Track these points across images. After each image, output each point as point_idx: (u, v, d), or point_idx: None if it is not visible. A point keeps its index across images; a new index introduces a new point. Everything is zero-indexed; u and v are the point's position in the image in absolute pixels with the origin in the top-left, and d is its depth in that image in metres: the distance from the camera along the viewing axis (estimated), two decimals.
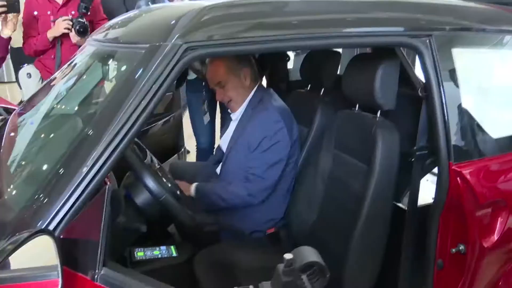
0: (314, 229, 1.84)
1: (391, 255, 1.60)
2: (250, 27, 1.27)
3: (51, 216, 1.01)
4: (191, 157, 3.89)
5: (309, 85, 2.29)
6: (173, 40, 1.16)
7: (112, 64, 1.36)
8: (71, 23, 2.78)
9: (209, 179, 2.06)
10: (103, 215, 1.00)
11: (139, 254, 1.59)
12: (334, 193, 1.80)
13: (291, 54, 4.15)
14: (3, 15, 2.59)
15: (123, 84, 1.15)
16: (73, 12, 2.88)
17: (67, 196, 1.03)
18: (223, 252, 1.82)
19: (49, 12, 2.93)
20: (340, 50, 2.28)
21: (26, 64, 3.02)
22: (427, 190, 1.66)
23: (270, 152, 1.85)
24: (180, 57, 1.15)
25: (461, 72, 1.42)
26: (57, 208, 1.02)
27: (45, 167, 1.19)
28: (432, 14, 1.46)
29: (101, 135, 1.07)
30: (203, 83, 2.80)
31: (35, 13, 2.90)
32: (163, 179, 1.57)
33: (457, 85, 1.41)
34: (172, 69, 1.14)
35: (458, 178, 1.38)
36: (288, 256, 0.93)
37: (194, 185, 2.00)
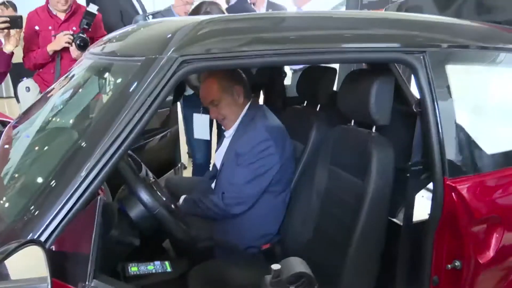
0: (310, 244, 1.83)
1: (387, 271, 1.58)
2: (246, 41, 1.27)
3: (42, 228, 1.01)
4: (188, 172, 3.89)
5: (305, 101, 2.30)
6: (169, 53, 1.17)
7: (108, 77, 1.36)
8: (72, 37, 2.80)
9: (205, 194, 2.05)
10: (94, 227, 0.99)
11: (133, 269, 1.58)
12: (330, 208, 1.79)
13: (288, 71, 4.21)
14: (6, 30, 2.62)
15: (118, 96, 1.16)
16: (74, 28, 2.91)
17: (58, 208, 1.02)
18: (217, 268, 1.80)
19: (50, 27, 2.96)
20: (336, 66, 2.30)
21: (25, 78, 3.04)
22: (423, 206, 1.66)
23: (252, 168, 1.87)
24: (176, 70, 1.15)
25: (455, 88, 1.43)
26: (49, 220, 1.01)
27: (37, 179, 1.19)
28: (427, 31, 1.48)
29: (94, 147, 1.07)
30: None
31: (37, 28, 2.93)
32: (158, 192, 1.56)
33: (451, 101, 1.42)
34: (168, 82, 1.15)
35: (453, 194, 1.37)
36: (275, 266, 0.92)
37: (183, 196, 2.02)
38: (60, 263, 0.97)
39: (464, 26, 1.59)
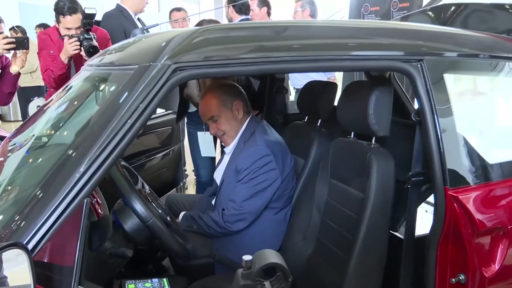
0: (311, 260, 1.79)
1: (389, 287, 1.53)
2: (241, 49, 1.28)
3: (29, 237, 0.98)
4: (193, 191, 3.87)
5: (306, 117, 2.29)
6: (163, 60, 1.17)
7: (103, 86, 1.36)
8: (78, 43, 2.78)
9: (204, 211, 2.03)
10: (80, 232, 0.96)
11: (130, 286, 1.53)
12: (330, 223, 1.76)
13: (292, 90, 4.22)
14: (12, 51, 2.65)
15: (110, 103, 1.15)
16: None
17: (46, 216, 1.00)
18: (216, 284, 1.76)
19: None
20: (339, 81, 2.30)
21: (36, 97, 3.06)
22: (426, 221, 1.62)
23: (252, 183, 1.85)
24: (169, 77, 1.15)
25: (454, 97, 1.41)
26: (35, 229, 0.99)
27: (27, 189, 1.17)
28: (424, 39, 1.47)
29: (84, 154, 1.06)
30: None
31: (51, 52, 2.95)
32: (153, 204, 1.53)
33: (450, 110, 1.39)
34: (160, 89, 1.14)
35: (455, 204, 1.33)
36: (247, 257, 0.88)
37: (182, 213, 1.99)
38: (45, 270, 0.94)
39: (463, 35, 1.58)
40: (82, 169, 1.04)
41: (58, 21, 2.89)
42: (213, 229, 1.89)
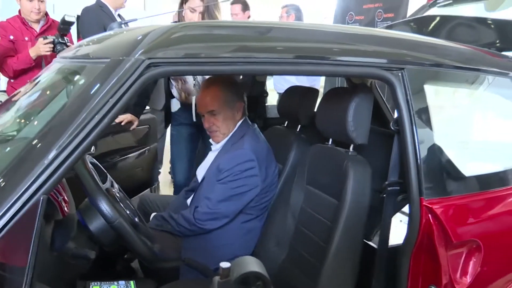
0: (283, 266, 1.76)
1: None
2: (219, 48, 1.24)
3: None
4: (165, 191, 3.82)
5: (286, 122, 2.27)
6: (136, 55, 1.12)
7: (74, 79, 1.31)
8: (52, 44, 2.76)
9: (177, 211, 1.98)
10: (34, 231, 0.91)
11: None
12: (304, 230, 1.73)
13: (276, 94, 4.20)
14: None
15: (79, 95, 1.10)
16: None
17: (1, 212, 0.94)
18: None
19: (26, 38, 2.93)
20: (318, 88, 2.28)
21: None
22: (400, 231, 1.61)
23: (230, 186, 1.82)
24: (142, 72, 1.11)
25: (434, 107, 1.40)
26: None
27: None
28: (406, 48, 1.45)
29: (48, 148, 1.01)
30: (188, 115, 2.76)
31: (11, 37, 2.89)
32: (120, 204, 1.48)
33: (429, 120, 1.38)
34: (132, 84, 1.10)
35: (429, 215, 1.32)
36: (224, 265, 0.82)
37: (153, 214, 1.95)
38: None
39: (445, 46, 1.57)
40: (45, 162, 0.99)
41: None
42: (183, 227, 1.84)
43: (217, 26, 1.39)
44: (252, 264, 0.84)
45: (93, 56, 1.33)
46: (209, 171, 1.97)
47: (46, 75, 1.50)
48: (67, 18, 2.74)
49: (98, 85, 1.08)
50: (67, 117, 1.04)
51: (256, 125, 2.05)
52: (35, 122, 1.26)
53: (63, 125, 1.03)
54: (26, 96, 1.46)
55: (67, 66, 1.43)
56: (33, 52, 2.82)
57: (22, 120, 1.37)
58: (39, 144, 1.03)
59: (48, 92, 1.42)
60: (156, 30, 1.21)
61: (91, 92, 1.08)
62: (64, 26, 2.78)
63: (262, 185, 1.87)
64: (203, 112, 1.96)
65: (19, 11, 3.04)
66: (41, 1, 2.97)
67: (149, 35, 1.19)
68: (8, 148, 1.24)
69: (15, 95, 1.56)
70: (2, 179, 1.00)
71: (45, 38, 2.80)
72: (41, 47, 2.77)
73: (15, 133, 1.30)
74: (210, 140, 2.05)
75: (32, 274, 0.88)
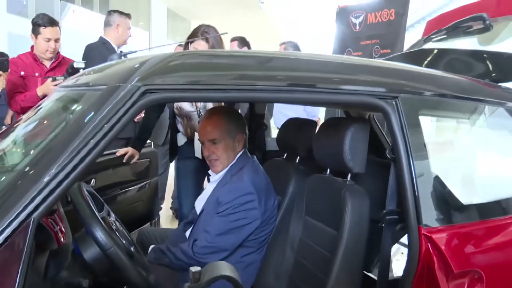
0: None
1: None
2: (215, 76, 1.26)
3: None
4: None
5: (285, 154, 2.27)
6: (133, 82, 1.15)
7: (71, 106, 1.33)
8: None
9: (176, 244, 1.95)
10: (23, 255, 0.89)
11: None
12: (303, 261, 1.70)
13: (275, 128, 4.22)
14: None
15: (75, 121, 1.12)
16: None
17: None
18: None
19: (37, 74, 2.99)
20: (316, 119, 2.29)
21: (4, 127, 3.01)
22: (401, 263, 1.58)
23: (229, 219, 1.79)
24: (137, 99, 1.13)
25: (429, 136, 1.40)
26: None
27: None
28: (400, 77, 1.47)
29: (42, 173, 1.01)
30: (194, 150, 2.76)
31: (22, 73, 2.96)
32: (116, 233, 1.46)
33: (425, 148, 1.38)
34: (128, 110, 1.12)
35: (429, 244, 1.29)
36: (194, 269, 0.80)
37: (151, 246, 1.92)
38: None
39: (439, 76, 1.59)
40: (39, 186, 0.99)
41: (36, 34, 2.96)
42: (181, 260, 1.81)
43: (213, 55, 1.42)
44: (224, 269, 0.82)
45: (91, 84, 1.35)
46: (208, 204, 1.95)
47: (46, 104, 1.52)
48: (75, 65, 2.80)
49: (94, 110, 1.10)
50: (63, 142, 1.05)
51: (255, 157, 2.05)
52: (32, 148, 1.27)
53: (59, 149, 1.04)
54: (25, 123, 1.48)
55: (66, 94, 1.46)
56: (40, 92, 2.89)
57: (21, 147, 1.38)
58: (34, 169, 1.04)
59: (46, 120, 1.44)
60: (154, 58, 1.24)
61: (87, 118, 1.09)
62: (73, 71, 2.85)
63: (262, 218, 1.85)
64: (204, 139, 1.95)
65: (32, 48, 3.11)
66: (56, 41, 3.05)
67: (146, 63, 1.22)
68: (4, 174, 1.24)
69: (15, 123, 1.58)
70: None
71: (54, 79, 2.87)
72: (50, 87, 2.84)
73: (12, 159, 1.30)
74: (210, 171, 2.04)
75: None
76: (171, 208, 4.53)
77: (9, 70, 3.01)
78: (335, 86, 1.36)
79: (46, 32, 2.97)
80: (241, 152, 1.98)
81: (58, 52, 3.19)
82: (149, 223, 3.05)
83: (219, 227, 1.80)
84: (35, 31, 3.00)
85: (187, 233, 2.06)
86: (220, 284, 0.91)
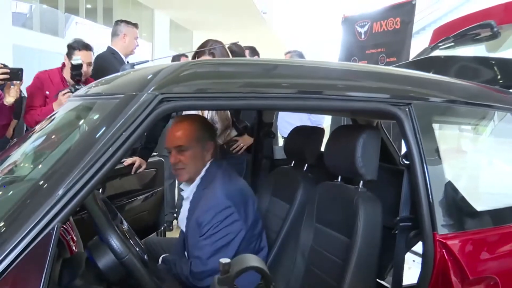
0: None
1: None
2: (229, 84, 1.27)
3: None
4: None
5: (293, 162, 2.27)
6: (150, 90, 1.15)
7: (87, 115, 1.33)
8: (70, 93, 2.81)
9: (181, 256, 1.94)
10: (48, 260, 0.90)
11: None
12: (315, 269, 1.69)
13: (280, 138, 4.23)
14: (7, 83, 2.64)
15: (92, 130, 1.12)
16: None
17: (10, 248, 0.94)
18: None
19: None
20: (323, 126, 2.30)
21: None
22: (415, 272, 1.57)
23: (214, 239, 1.74)
24: (154, 107, 1.14)
25: (442, 142, 1.40)
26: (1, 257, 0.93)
27: None
28: (413, 84, 1.48)
29: (62, 180, 1.02)
30: None
31: (47, 92, 2.96)
32: (130, 241, 1.46)
33: (439, 154, 1.38)
34: (145, 118, 1.13)
35: (444, 250, 1.29)
36: (224, 260, 0.81)
37: (161, 256, 1.91)
38: None
39: (451, 83, 1.60)
40: (59, 193, 0.99)
41: (70, 57, 2.96)
42: (187, 279, 1.79)
43: (224, 64, 1.43)
44: (252, 260, 0.83)
45: (106, 93, 1.36)
46: (189, 224, 1.88)
47: (60, 114, 1.53)
48: (74, 62, 2.82)
49: (112, 119, 1.11)
50: (81, 150, 1.06)
51: (225, 164, 1.96)
52: (51, 159, 1.28)
53: (77, 158, 1.05)
54: (40, 135, 1.49)
55: (80, 103, 1.46)
56: (56, 106, 2.88)
57: (37, 158, 1.38)
58: (53, 177, 1.04)
59: (62, 129, 1.45)
60: (167, 68, 1.25)
61: (105, 127, 1.09)
62: (75, 72, 2.86)
63: (246, 226, 1.81)
64: (171, 146, 1.86)
65: (62, 66, 3.09)
66: (89, 65, 3.04)
67: (161, 72, 1.23)
68: (23, 183, 1.25)
69: (30, 133, 1.59)
70: (15, 211, 1.00)
71: (61, 91, 2.88)
72: (63, 99, 2.83)
73: (30, 168, 1.31)
74: (181, 186, 1.97)
75: None
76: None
77: (31, 84, 3.01)
78: (347, 93, 1.36)
79: (79, 55, 2.95)
80: (210, 162, 1.90)
81: (89, 78, 3.13)
82: (155, 233, 3.04)
83: (207, 250, 1.74)
84: (69, 54, 2.99)
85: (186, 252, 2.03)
86: (246, 276, 0.91)
